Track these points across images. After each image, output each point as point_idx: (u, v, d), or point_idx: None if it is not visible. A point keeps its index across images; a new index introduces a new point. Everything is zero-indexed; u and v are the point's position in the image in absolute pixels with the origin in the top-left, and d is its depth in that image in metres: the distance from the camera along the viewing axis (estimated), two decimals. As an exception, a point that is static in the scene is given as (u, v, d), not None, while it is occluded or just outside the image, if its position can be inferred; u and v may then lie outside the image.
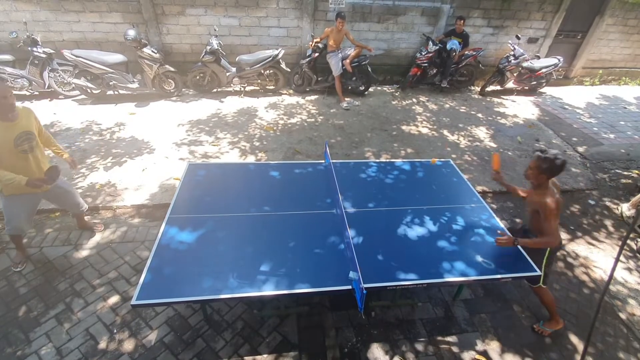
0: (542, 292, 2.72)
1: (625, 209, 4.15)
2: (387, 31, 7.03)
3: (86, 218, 3.44)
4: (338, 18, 5.75)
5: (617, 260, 1.53)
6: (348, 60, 6.18)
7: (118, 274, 3.02)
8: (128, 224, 3.55)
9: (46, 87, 5.78)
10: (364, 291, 1.95)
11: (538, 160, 2.39)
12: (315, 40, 6.19)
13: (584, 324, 2.90)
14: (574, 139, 5.79)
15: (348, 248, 2.41)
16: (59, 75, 5.77)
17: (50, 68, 5.66)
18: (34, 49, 5.48)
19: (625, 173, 4.98)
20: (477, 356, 2.60)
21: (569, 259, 3.52)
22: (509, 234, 2.60)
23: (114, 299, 2.81)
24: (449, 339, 2.71)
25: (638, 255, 3.66)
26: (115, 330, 2.59)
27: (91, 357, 2.42)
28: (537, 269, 2.46)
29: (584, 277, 3.34)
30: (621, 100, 7.61)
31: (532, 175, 2.47)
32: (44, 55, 5.53)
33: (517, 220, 3.91)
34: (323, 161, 3.61)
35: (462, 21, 6.63)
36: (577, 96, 7.62)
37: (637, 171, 5.02)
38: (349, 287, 2.19)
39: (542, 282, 2.62)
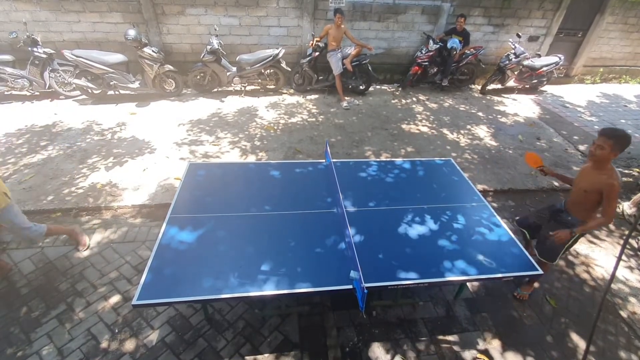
0: (547, 268, 2.84)
1: (626, 207, 4.15)
2: (387, 30, 7.01)
3: (81, 227, 3.43)
4: (337, 14, 5.74)
5: (619, 259, 1.53)
6: (348, 60, 6.17)
7: (119, 274, 3.02)
8: (129, 224, 3.55)
9: (47, 88, 5.79)
10: (365, 290, 1.95)
11: (615, 137, 2.26)
12: (315, 39, 6.18)
13: (585, 322, 2.90)
14: (575, 137, 5.77)
15: (349, 247, 2.41)
16: (60, 76, 5.77)
17: (50, 68, 5.67)
18: (34, 49, 5.48)
19: (626, 171, 4.97)
20: (479, 355, 2.60)
21: (570, 258, 3.52)
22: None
23: (115, 299, 2.81)
24: (450, 338, 2.71)
25: (639, 253, 3.66)
26: (116, 330, 2.60)
27: (93, 357, 2.42)
28: (538, 268, 2.45)
29: (585, 276, 3.33)
30: (622, 98, 7.59)
31: (603, 154, 2.32)
32: (44, 56, 5.53)
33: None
34: (324, 160, 3.61)
35: (463, 19, 6.60)
36: (578, 94, 7.61)
37: (637, 169, 5.01)
38: (350, 286, 2.19)
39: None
